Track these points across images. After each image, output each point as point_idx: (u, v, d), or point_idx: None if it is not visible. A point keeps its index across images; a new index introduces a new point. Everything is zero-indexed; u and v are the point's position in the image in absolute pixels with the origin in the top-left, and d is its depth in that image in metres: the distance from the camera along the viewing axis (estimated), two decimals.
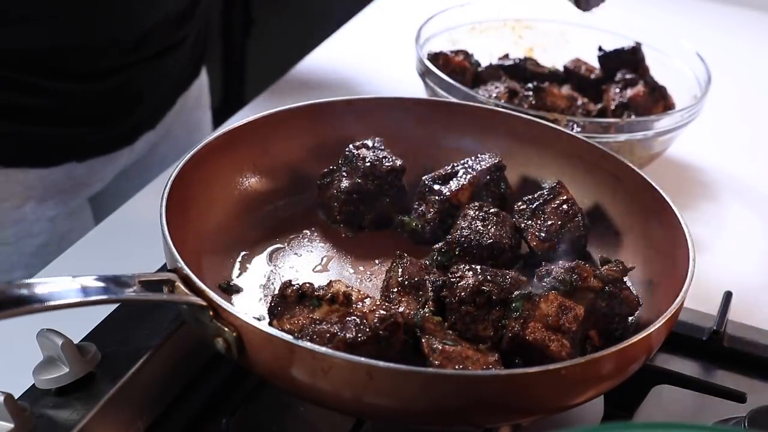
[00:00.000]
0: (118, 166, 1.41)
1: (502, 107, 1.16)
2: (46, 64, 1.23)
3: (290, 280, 0.87)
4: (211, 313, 0.79)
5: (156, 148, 1.46)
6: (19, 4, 1.18)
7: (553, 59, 1.47)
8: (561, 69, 1.42)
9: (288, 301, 0.84)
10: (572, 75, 1.40)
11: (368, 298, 0.84)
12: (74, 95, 1.28)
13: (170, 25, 1.35)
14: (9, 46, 1.20)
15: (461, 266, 0.90)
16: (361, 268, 0.99)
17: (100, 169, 1.37)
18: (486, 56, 1.44)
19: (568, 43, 1.50)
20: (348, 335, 0.80)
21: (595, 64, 1.41)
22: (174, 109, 1.46)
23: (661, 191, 0.99)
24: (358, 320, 0.81)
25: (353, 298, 0.84)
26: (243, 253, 0.99)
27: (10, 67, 1.21)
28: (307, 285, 0.85)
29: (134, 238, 1.12)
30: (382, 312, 0.82)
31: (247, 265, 0.98)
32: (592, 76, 1.39)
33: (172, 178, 0.92)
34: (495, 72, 1.38)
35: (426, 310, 0.88)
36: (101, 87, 1.30)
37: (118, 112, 1.35)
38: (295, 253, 1.01)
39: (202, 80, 1.56)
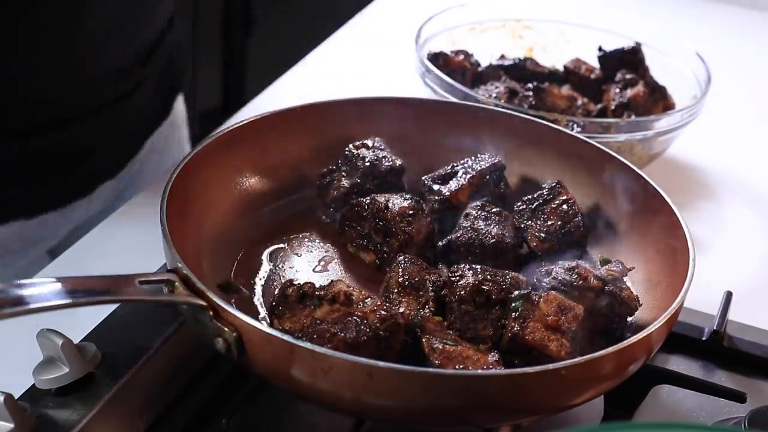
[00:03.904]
0: (74, 219, 1.29)
1: (502, 107, 1.16)
2: None
3: (291, 280, 0.87)
4: (211, 313, 0.79)
5: (122, 195, 1.34)
6: None
7: (553, 59, 1.46)
8: (561, 69, 1.42)
9: (289, 300, 0.84)
10: (572, 75, 1.40)
11: (369, 299, 0.84)
12: (8, 153, 1.18)
13: (116, 75, 1.24)
14: None
15: (461, 266, 0.90)
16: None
17: (53, 223, 1.26)
18: (486, 56, 1.44)
19: (568, 43, 1.50)
20: (348, 335, 0.80)
21: (595, 64, 1.41)
22: (140, 155, 1.35)
23: (661, 191, 0.99)
24: (358, 320, 0.81)
25: (354, 298, 0.84)
26: (243, 253, 0.99)
27: None
28: (308, 285, 0.85)
29: (134, 238, 1.11)
30: (383, 312, 0.82)
31: (247, 265, 0.98)
32: (592, 76, 1.39)
33: (172, 178, 0.92)
34: (495, 72, 1.38)
35: (426, 310, 0.88)
36: (39, 144, 1.20)
37: (63, 168, 1.24)
38: (295, 253, 1.01)
39: (176, 116, 1.44)
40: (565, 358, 0.82)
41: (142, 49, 1.28)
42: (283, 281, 0.87)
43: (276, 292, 0.87)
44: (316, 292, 0.84)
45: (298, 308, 0.84)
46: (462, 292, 0.87)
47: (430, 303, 0.89)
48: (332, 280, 0.86)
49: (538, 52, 1.49)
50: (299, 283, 0.85)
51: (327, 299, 0.83)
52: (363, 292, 0.85)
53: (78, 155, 1.26)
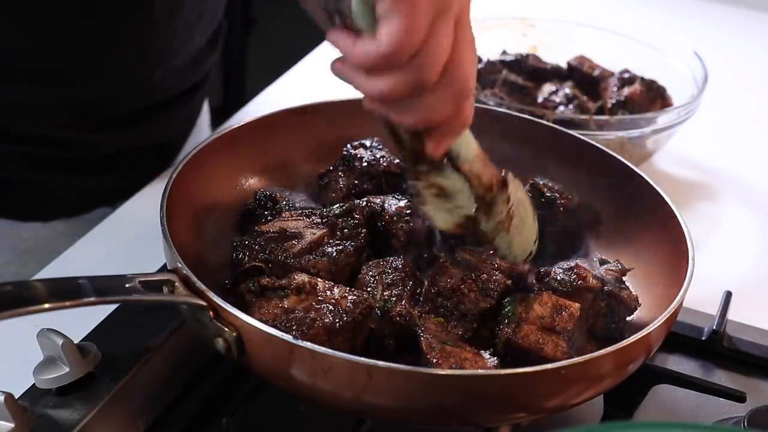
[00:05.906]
0: None
1: (501, 107, 1.16)
2: (76, 115, 1.19)
3: (243, 274, 0.87)
4: (211, 313, 0.79)
5: None
6: None
7: (557, 58, 1.46)
8: (564, 66, 1.42)
9: (246, 299, 0.84)
10: (575, 72, 1.40)
11: (336, 287, 0.84)
12: (103, 144, 1.23)
13: (194, 60, 1.28)
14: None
15: (454, 256, 0.90)
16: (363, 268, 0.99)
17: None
18: (489, 53, 1.44)
19: (573, 42, 1.49)
20: (327, 320, 0.80)
21: (600, 61, 1.41)
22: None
23: (660, 191, 0.99)
24: (332, 307, 0.81)
25: (319, 287, 0.84)
26: None
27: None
28: (267, 280, 0.84)
29: (134, 238, 1.12)
30: (354, 297, 0.83)
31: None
32: (595, 74, 1.39)
33: (172, 178, 0.92)
34: (494, 68, 1.38)
35: (403, 302, 0.87)
36: (134, 134, 1.25)
37: (146, 156, 1.29)
38: None
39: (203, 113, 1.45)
40: (562, 358, 0.82)
41: (211, 32, 1.32)
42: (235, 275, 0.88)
43: (238, 285, 0.86)
44: (277, 284, 0.84)
45: (263, 300, 0.83)
46: (443, 285, 0.87)
47: (404, 290, 0.88)
48: (292, 273, 0.86)
49: (542, 51, 1.49)
50: (254, 281, 0.85)
51: (292, 289, 0.83)
52: (327, 282, 0.85)
53: (160, 145, 1.31)
